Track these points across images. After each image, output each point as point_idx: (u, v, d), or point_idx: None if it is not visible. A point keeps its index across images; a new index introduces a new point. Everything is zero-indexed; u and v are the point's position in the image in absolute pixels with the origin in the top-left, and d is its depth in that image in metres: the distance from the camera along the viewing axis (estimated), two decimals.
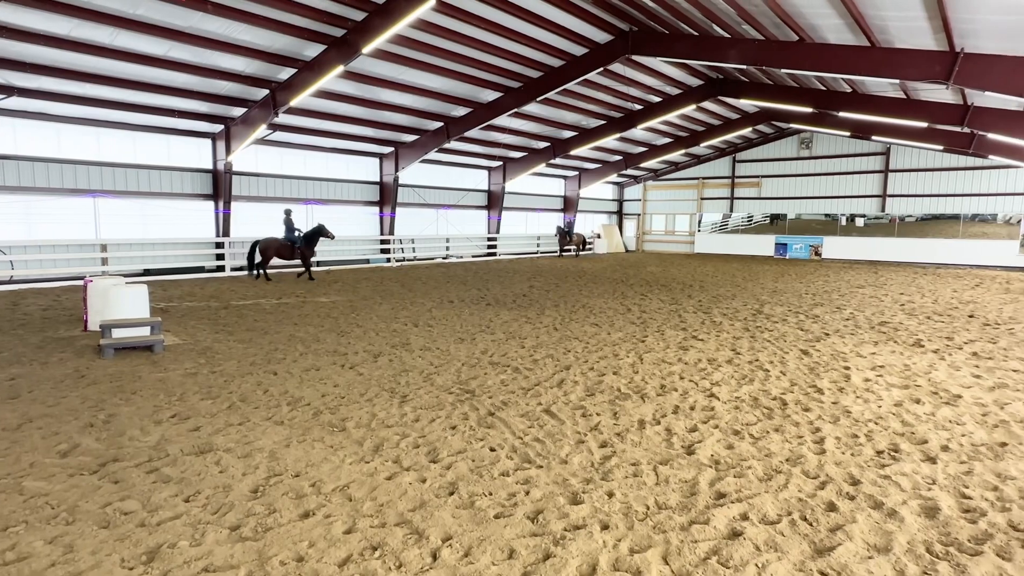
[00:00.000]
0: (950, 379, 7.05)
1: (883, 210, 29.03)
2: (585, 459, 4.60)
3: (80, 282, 13.10)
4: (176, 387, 6.43)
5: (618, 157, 31.64)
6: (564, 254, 30.65)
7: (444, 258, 26.96)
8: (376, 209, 24.26)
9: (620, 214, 38.74)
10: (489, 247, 29.20)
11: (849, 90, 18.92)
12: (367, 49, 13.72)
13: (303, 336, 9.31)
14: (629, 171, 34.33)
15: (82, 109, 15.76)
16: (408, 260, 25.34)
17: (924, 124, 18.93)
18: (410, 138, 22.80)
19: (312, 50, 14.88)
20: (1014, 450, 4.83)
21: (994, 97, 14.81)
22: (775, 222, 32.02)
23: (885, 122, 20.56)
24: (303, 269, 18.29)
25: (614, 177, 34.46)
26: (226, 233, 19.30)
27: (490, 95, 20.00)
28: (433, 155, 24.28)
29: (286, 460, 4.51)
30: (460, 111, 20.94)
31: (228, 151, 18.46)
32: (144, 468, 4.34)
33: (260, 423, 5.33)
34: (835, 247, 29.74)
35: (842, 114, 20.03)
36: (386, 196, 24.00)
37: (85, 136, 16.62)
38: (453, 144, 23.29)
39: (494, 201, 28.96)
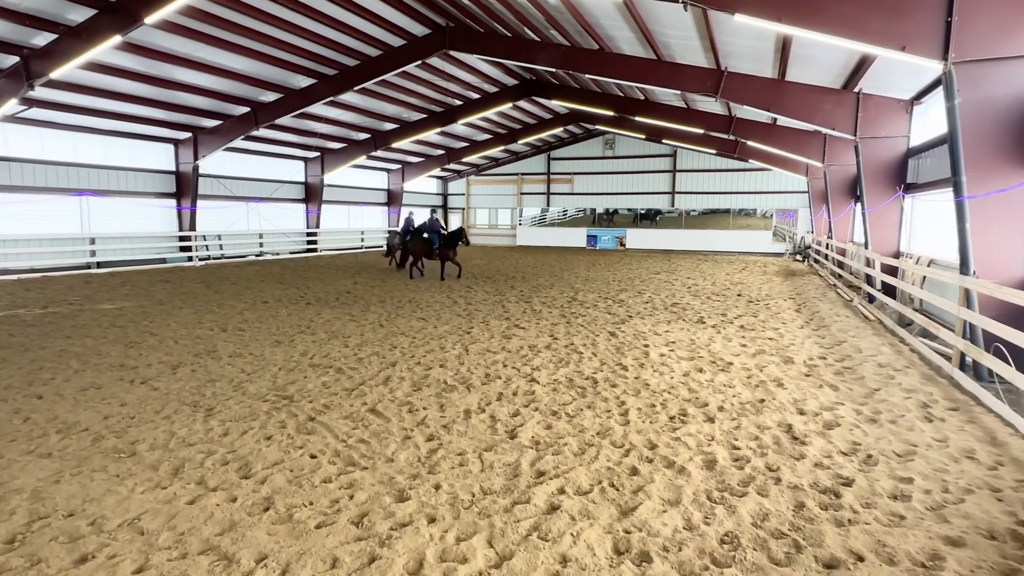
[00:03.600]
0: (724, 349, 8.27)
1: (673, 205, 33.07)
2: (412, 455, 4.56)
3: None
4: None
5: (441, 151, 31.82)
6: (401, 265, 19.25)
7: (258, 255, 24.84)
8: (173, 202, 21.50)
9: (445, 208, 39.05)
10: (309, 243, 27.54)
11: (642, 98, 21.15)
12: (151, 19, 11.98)
13: (79, 350, 7.93)
14: (452, 166, 34.70)
15: None
16: (215, 258, 22.88)
17: (701, 131, 21.90)
18: (212, 123, 20.54)
19: (77, 14, 12.61)
20: (770, 404, 5.82)
21: (750, 110, 17.63)
22: (612, 218, 34.76)
23: (672, 127, 23.32)
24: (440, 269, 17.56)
25: (437, 171, 34.60)
26: None
27: (303, 81, 18.78)
28: (240, 143, 22.18)
29: (55, 499, 3.80)
30: (269, 96, 19.37)
31: None
32: None
33: (18, 458, 4.43)
34: (637, 238, 33.19)
35: (637, 118, 22.34)
36: (184, 187, 21.38)
37: None
38: (263, 132, 21.50)
39: (312, 194, 27.35)
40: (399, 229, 19.43)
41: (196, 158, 20.94)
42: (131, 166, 20.11)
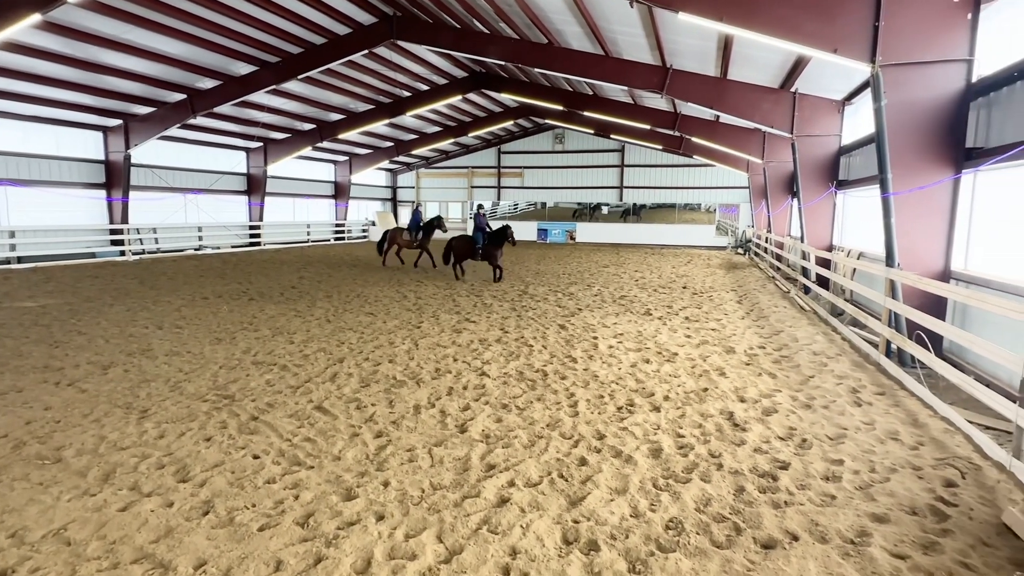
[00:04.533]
0: (670, 340, 8.48)
1: (621, 199, 33.67)
2: (360, 452, 4.48)
3: None
4: None
5: (390, 143, 31.30)
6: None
7: (197, 249, 23.81)
8: (103, 193, 20.30)
9: (395, 201, 38.48)
10: (252, 236, 26.60)
11: (591, 93, 21.38)
12: None
13: None
14: (401, 158, 34.22)
15: None
16: (149, 253, 21.78)
17: (648, 127, 22.33)
18: (144, 110, 19.48)
19: None
20: (712, 393, 6.01)
21: (694, 107, 18.10)
22: (593, 213, 34.38)
23: (620, 123, 23.73)
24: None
25: (386, 163, 34.05)
26: None
27: (243, 68, 18.04)
28: (176, 132, 21.19)
29: None
30: (207, 83, 18.52)
31: None
32: None
33: None
34: (586, 232, 33.61)
35: (586, 113, 22.58)
36: (115, 177, 20.22)
37: None
38: (201, 120, 20.58)
39: (255, 185, 26.40)
40: (407, 223, 18.62)
41: (128, 147, 19.83)
42: (55, 154, 18.86)
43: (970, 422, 5.09)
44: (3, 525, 3.39)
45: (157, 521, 3.46)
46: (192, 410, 5.37)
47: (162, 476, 4.05)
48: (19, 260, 17.60)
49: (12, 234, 17.55)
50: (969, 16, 6.97)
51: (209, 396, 5.78)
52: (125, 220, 20.45)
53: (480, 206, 16.11)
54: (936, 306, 7.27)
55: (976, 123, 7.32)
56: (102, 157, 20.17)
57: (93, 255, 19.74)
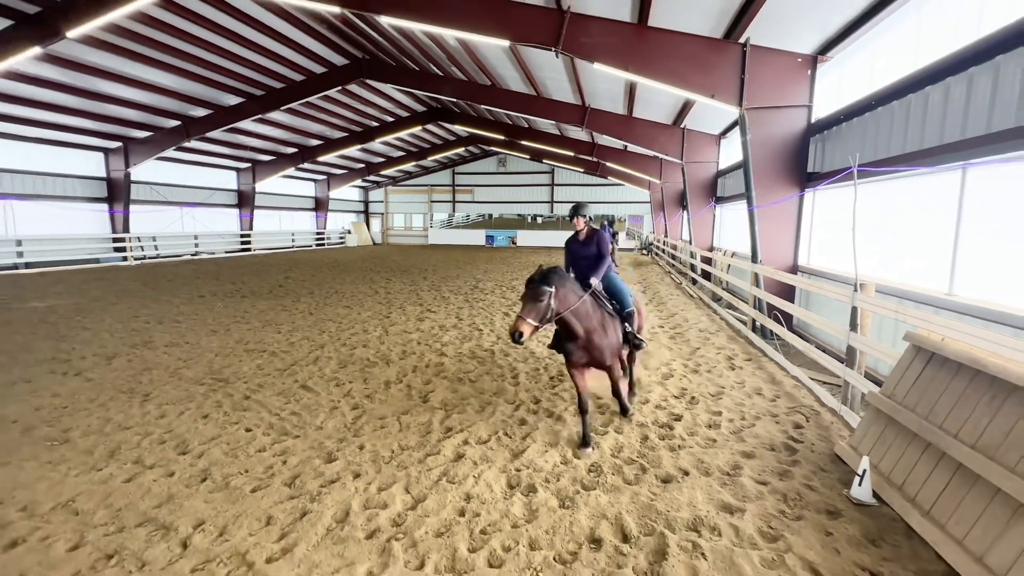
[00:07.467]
0: None
1: (552, 212, 34.01)
2: (339, 422, 4.34)
3: None
4: None
5: (361, 165, 30.36)
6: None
7: (193, 255, 22.36)
8: (104, 206, 18.72)
9: (367, 213, 37.40)
10: (243, 243, 25.22)
11: (527, 125, 21.44)
12: (73, 34, 10.29)
13: (9, 348, 6.71)
14: (372, 177, 33.29)
15: None
16: (150, 258, 20.27)
17: (572, 153, 22.61)
18: (142, 134, 18.07)
19: None
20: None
21: (607, 139, 18.47)
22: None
23: (549, 150, 23.89)
24: None
25: (359, 182, 33.02)
26: None
27: (232, 99, 17.03)
28: (173, 153, 19.78)
29: None
30: (200, 112, 17.37)
31: None
32: None
33: None
34: (525, 237, 33.77)
35: (523, 142, 22.64)
36: (117, 193, 18.68)
37: None
38: (195, 143, 19.31)
39: (245, 200, 25.00)
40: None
41: (128, 165, 18.35)
42: (57, 172, 17.17)
43: (812, 379, 5.45)
44: (13, 501, 3.09)
45: (159, 489, 3.24)
46: (190, 392, 5.05)
47: (163, 450, 3.79)
48: (27, 266, 16.03)
49: (19, 242, 15.95)
50: (809, 72, 7.42)
51: (206, 380, 5.45)
52: (127, 229, 18.95)
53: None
54: (788, 292, 7.74)
55: (814, 153, 7.81)
56: (103, 175, 18.57)
57: (97, 260, 18.20)
